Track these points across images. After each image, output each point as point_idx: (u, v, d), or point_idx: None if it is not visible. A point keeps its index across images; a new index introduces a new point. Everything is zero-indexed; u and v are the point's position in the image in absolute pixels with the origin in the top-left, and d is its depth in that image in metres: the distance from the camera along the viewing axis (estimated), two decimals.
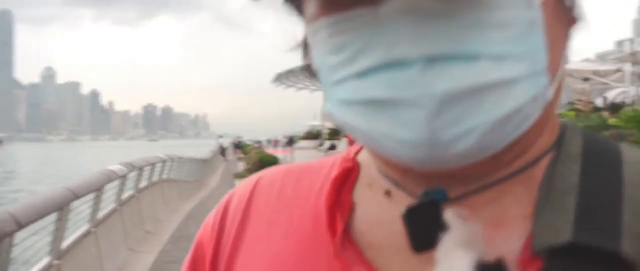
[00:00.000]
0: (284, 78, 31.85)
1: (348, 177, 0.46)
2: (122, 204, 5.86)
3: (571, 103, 12.71)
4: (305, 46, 0.42)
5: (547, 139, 0.41)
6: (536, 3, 0.35)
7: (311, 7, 0.38)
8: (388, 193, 0.43)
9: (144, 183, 7.19)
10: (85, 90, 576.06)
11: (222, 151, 26.58)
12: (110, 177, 5.18)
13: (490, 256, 0.35)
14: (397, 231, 0.39)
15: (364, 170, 0.46)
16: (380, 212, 0.43)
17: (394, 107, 0.33)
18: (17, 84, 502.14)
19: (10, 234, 2.80)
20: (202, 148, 34.53)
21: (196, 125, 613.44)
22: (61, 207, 3.66)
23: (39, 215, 3.20)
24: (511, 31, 0.33)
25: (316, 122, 40.58)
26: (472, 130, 0.33)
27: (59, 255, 3.78)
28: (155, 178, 8.09)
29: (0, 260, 2.79)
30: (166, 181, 9.01)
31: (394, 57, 0.33)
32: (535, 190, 0.38)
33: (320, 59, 0.38)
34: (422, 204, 0.38)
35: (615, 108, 10.94)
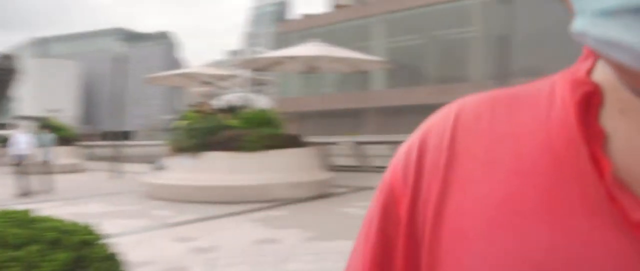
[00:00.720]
0: None
1: (589, 102, 0.38)
2: None
3: (192, 106, 12.84)
4: None
5: None
6: None
7: None
8: None
9: None
10: None
11: None
12: None
13: None
14: None
15: (610, 93, 0.38)
16: None
17: None
18: None
19: None
20: None
21: None
22: None
23: None
24: None
25: None
26: None
27: None
28: None
29: None
30: None
31: None
32: None
33: None
34: None
35: (232, 109, 11.59)
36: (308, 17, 37.78)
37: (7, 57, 38.94)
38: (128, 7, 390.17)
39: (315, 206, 8.77)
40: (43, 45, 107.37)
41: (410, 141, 0.46)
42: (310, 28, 31.52)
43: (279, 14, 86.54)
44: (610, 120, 0.37)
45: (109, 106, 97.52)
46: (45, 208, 5.55)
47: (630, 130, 0.36)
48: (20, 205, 2.59)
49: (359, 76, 25.25)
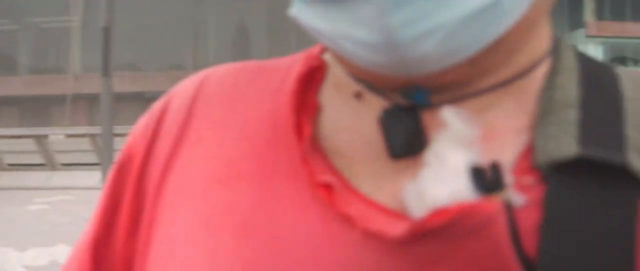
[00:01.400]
0: None
1: (313, 76, 0.41)
2: None
3: None
4: None
5: (537, 46, 0.36)
6: None
7: None
8: (358, 95, 0.38)
9: None
10: None
11: None
12: None
13: (483, 162, 0.32)
14: (368, 137, 0.36)
15: (331, 70, 0.41)
16: (349, 116, 0.39)
17: (352, 1, 0.29)
18: None
19: None
20: None
21: None
22: None
23: None
24: None
25: None
26: (434, 29, 0.29)
27: None
28: None
29: None
30: None
31: None
32: (526, 103, 0.35)
33: None
34: (401, 106, 0.34)
35: None
36: None
37: None
38: None
39: None
40: None
41: (157, 103, 0.46)
42: None
43: None
44: (327, 93, 0.40)
45: None
46: None
47: (340, 104, 0.39)
48: None
49: None
